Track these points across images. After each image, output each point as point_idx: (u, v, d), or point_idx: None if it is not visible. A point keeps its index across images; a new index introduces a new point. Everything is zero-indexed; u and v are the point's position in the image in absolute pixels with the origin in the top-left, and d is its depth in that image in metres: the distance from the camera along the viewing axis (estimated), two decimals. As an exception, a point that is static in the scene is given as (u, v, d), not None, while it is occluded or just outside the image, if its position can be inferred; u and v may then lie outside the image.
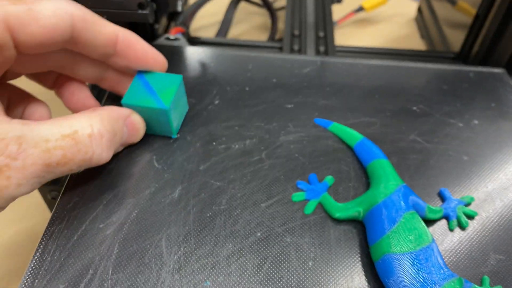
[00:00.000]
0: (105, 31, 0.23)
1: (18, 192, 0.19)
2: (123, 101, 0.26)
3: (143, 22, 0.30)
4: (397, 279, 0.20)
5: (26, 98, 0.25)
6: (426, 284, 0.20)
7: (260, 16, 0.61)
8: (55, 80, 0.27)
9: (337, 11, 0.58)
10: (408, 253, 0.21)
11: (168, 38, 0.37)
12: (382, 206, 0.23)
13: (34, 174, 0.19)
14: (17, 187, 0.19)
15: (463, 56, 0.44)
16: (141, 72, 0.27)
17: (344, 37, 0.57)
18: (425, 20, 0.57)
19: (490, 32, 0.40)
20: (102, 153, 0.22)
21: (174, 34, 0.38)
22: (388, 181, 0.24)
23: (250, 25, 0.59)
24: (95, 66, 0.26)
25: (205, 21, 0.58)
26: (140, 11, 0.29)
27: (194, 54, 0.35)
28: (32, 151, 0.19)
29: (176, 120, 0.28)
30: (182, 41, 0.37)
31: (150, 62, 0.26)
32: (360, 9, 0.57)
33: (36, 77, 0.27)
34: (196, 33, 0.57)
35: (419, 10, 0.60)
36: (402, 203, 0.23)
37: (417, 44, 0.57)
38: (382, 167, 0.25)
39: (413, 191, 0.24)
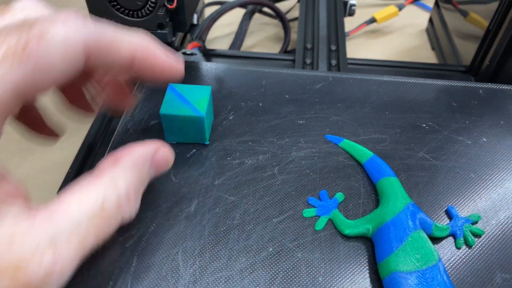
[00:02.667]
0: (121, 56, 0.20)
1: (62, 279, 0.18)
2: (161, 111, 0.28)
3: (162, 41, 0.31)
4: (404, 296, 0.21)
5: None
6: (432, 302, 0.21)
7: (273, 27, 0.62)
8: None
9: (349, 22, 0.58)
10: (415, 272, 0.21)
11: (185, 53, 0.38)
12: (391, 224, 0.24)
13: (72, 267, 0.18)
14: (60, 276, 0.18)
15: (473, 70, 0.45)
16: (172, 85, 0.30)
17: (355, 47, 0.58)
18: (436, 31, 0.58)
19: (501, 46, 0.40)
20: (130, 213, 0.21)
21: (191, 49, 0.39)
22: (396, 199, 0.25)
23: (263, 35, 0.60)
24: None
25: (219, 32, 0.59)
26: (159, 31, 0.30)
27: (210, 70, 0.36)
28: (66, 250, 0.18)
29: (208, 128, 0.30)
30: (199, 56, 0.38)
31: (166, 75, 0.23)
32: (372, 20, 0.58)
33: None
34: (210, 44, 0.58)
35: (430, 21, 0.60)
36: (410, 222, 0.23)
37: (428, 55, 0.57)
38: (391, 185, 0.26)
39: (420, 209, 0.25)
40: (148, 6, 0.30)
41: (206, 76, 0.36)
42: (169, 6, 0.30)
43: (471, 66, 0.45)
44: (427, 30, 0.61)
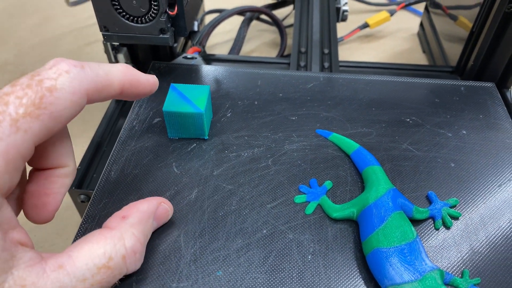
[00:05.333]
0: (113, 89, 0.23)
1: None
2: (164, 108, 0.30)
3: (164, 45, 0.34)
4: (384, 270, 0.23)
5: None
6: (408, 274, 0.23)
7: (271, 33, 0.64)
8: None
9: (343, 27, 0.61)
10: (394, 247, 0.24)
11: (185, 57, 0.41)
12: (373, 206, 0.26)
13: None
14: None
15: (459, 70, 0.47)
16: (174, 85, 0.32)
17: (349, 51, 0.61)
18: (426, 34, 0.60)
19: (484, 47, 0.43)
20: (135, 267, 0.23)
21: (191, 53, 0.41)
22: (379, 185, 0.27)
23: (261, 41, 0.63)
24: None
25: (219, 39, 0.62)
26: (161, 36, 0.33)
27: (209, 72, 0.39)
28: None
29: (207, 124, 0.32)
30: (199, 60, 0.40)
31: (147, 90, 0.26)
32: (365, 25, 0.60)
33: None
34: (211, 50, 0.61)
35: (421, 25, 0.63)
36: (391, 204, 0.26)
37: (419, 58, 0.60)
38: (375, 173, 0.28)
39: (402, 194, 0.27)
40: (151, 12, 0.33)
41: (205, 77, 0.38)
42: (170, 13, 0.33)
43: (457, 66, 0.47)
44: (418, 34, 0.64)
